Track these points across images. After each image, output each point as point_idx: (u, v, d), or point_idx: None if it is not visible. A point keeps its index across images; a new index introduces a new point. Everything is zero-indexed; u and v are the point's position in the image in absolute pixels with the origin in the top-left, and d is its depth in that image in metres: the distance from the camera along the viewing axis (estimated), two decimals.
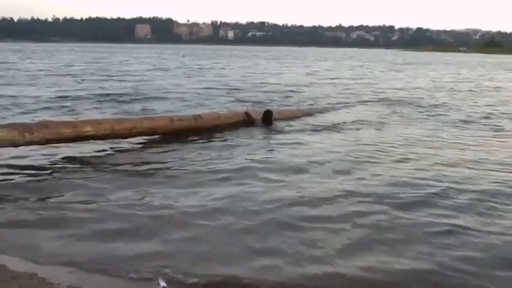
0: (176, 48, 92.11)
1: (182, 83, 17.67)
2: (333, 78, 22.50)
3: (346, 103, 12.74)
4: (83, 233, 3.90)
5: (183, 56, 50.77)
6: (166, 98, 12.79)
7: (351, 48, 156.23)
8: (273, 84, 18.06)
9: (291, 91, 15.29)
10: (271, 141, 7.73)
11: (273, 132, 8.39)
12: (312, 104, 12.39)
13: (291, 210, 4.42)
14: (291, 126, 8.96)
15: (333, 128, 8.93)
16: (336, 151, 6.86)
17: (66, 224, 4.07)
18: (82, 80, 17.99)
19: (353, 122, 9.56)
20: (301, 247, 3.67)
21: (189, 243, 3.73)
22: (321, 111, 11.13)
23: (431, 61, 53.23)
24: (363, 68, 33.78)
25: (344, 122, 9.47)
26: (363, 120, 9.75)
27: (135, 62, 33.43)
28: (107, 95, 12.94)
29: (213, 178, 5.39)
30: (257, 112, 9.30)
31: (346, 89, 17.13)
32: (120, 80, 17.93)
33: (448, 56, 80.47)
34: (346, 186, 5.14)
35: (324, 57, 60.06)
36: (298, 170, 5.84)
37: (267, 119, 8.96)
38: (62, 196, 4.76)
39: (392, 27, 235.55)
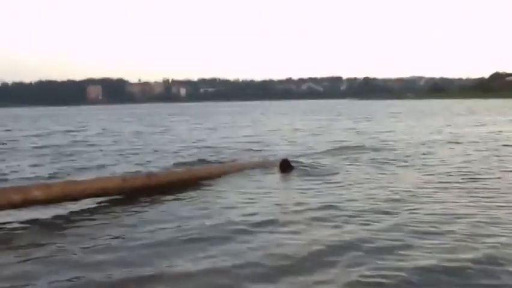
0: (140, 108, 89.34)
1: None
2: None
3: None
4: None
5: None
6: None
7: (304, 100, 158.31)
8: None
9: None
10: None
11: None
12: None
13: None
14: None
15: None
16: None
17: None
18: None
19: None
20: None
21: None
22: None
23: (405, 111, 52.02)
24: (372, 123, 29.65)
25: None
26: None
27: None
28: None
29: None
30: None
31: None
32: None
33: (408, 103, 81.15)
34: None
35: (301, 111, 58.14)
36: None
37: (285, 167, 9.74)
38: None
39: (339, 77, 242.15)
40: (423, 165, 10.35)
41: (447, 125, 25.23)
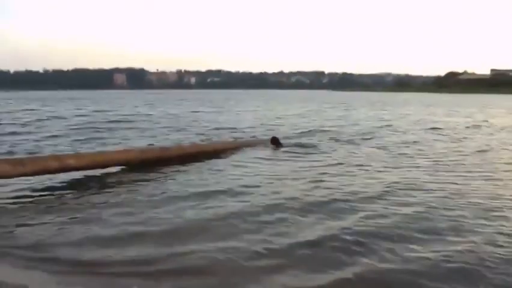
0: (167, 93, 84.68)
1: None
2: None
3: None
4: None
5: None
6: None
7: (294, 90, 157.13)
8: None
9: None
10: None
11: None
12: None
13: None
14: None
15: None
16: None
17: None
18: None
19: None
20: None
21: None
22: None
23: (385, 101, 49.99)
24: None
25: None
26: None
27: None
28: None
29: None
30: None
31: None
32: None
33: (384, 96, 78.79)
34: None
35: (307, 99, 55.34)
36: None
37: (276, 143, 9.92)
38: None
39: (322, 72, 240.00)
40: (408, 147, 10.01)
41: (423, 114, 24.36)
